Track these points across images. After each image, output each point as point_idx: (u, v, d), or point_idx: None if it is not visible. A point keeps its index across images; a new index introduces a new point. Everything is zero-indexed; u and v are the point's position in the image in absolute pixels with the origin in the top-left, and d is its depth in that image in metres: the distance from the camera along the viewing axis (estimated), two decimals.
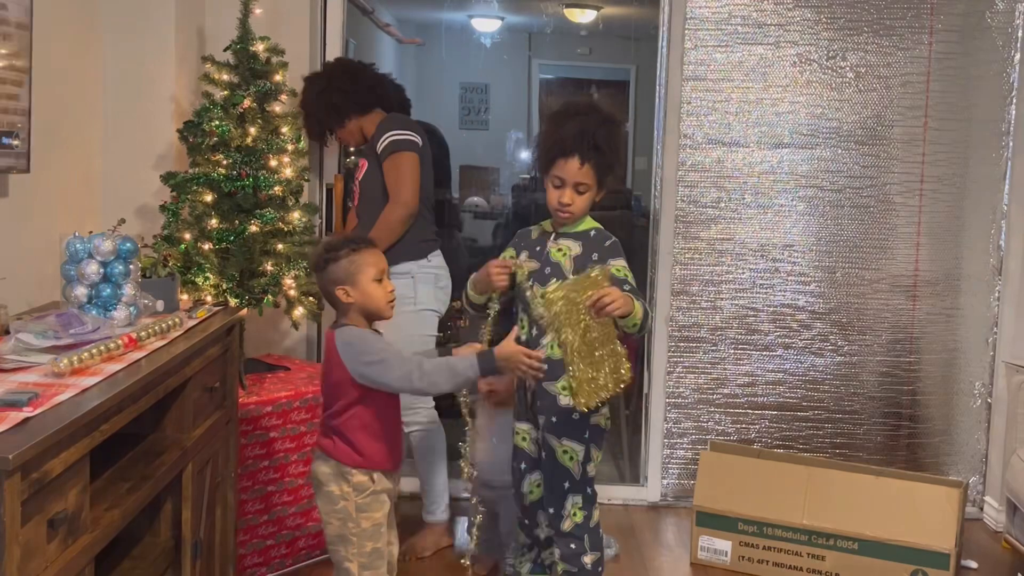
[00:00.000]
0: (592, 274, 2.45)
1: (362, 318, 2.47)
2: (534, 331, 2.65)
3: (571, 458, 2.69)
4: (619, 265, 2.60)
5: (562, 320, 2.43)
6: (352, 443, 2.44)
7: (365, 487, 2.45)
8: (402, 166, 3.30)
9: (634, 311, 2.46)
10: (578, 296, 2.41)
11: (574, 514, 2.72)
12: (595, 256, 2.63)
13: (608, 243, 2.67)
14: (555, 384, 2.64)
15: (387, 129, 3.33)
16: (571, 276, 2.58)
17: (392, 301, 2.49)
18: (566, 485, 2.71)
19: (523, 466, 2.82)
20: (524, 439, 2.80)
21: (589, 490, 2.75)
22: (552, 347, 2.60)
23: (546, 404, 2.69)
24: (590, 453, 2.71)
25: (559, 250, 2.68)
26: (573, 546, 2.73)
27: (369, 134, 3.44)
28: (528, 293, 2.60)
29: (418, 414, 3.38)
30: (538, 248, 2.72)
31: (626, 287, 2.54)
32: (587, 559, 2.74)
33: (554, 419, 2.68)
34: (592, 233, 2.70)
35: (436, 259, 3.41)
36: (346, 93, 3.43)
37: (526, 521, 2.89)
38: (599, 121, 2.62)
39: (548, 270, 2.66)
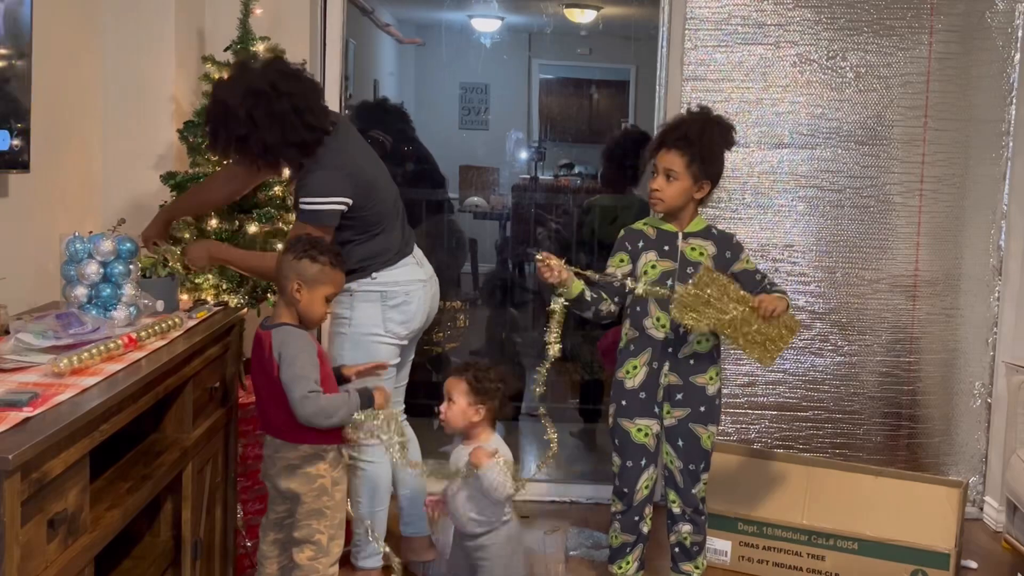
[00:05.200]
0: (722, 281, 2.72)
1: (296, 317, 2.57)
2: (681, 329, 2.82)
3: (710, 440, 2.93)
4: (747, 256, 2.93)
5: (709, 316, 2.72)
6: (317, 430, 2.54)
7: (337, 461, 2.63)
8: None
9: (788, 301, 2.82)
10: (714, 298, 2.71)
11: (702, 489, 2.97)
12: (728, 254, 2.89)
13: (735, 240, 2.95)
14: (704, 375, 2.88)
15: (306, 191, 2.80)
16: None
17: (324, 320, 2.67)
18: (703, 465, 2.95)
19: (643, 462, 2.94)
20: (646, 435, 2.92)
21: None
22: (699, 342, 2.85)
23: (692, 396, 2.89)
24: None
25: (693, 249, 2.87)
26: (703, 518, 3.01)
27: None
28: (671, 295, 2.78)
29: (364, 452, 3.00)
30: (667, 248, 2.88)
31: (758, 276, 2.91)
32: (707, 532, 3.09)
33: (702, 408, 2.89)
34: (714, 231, 2.92)
35: (387, 275, 2.95)
36: (302, 146, 2.78)
37: (635, 518, 2.98)
38: (692, 118, 2.85)
39: (690, 270, 2.83)
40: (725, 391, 4.03)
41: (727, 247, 2.90)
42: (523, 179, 6.18)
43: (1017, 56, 3.94)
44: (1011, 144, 3.96)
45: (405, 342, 3.04)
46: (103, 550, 2.00)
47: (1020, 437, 3.68)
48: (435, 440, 4.20)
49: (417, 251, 3.11)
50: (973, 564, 3.57)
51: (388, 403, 2.62)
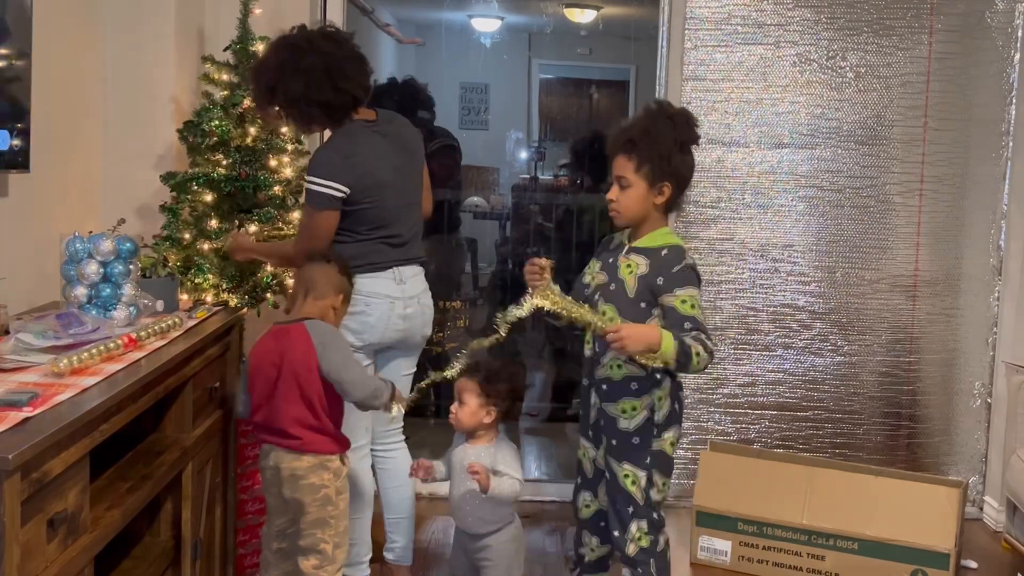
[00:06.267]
0: (597, 321, 2.39)
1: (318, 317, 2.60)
2: (597, 347, 2.55)
3: (633, 483, 2.55)
4: (685, 295, 2.43)
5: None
6: (328, 432, 2.57)
7: (340, 471, 2.61)
8: (309, 221, 2.82)
9: (661, 350, 2.33)
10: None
11: (639, 538, 2.56)
12: (660, 280, 2.45)
13: (677, 268, 2.46)
14: (615, 406, 2.53)
15: (310, 169, 2.81)
16: (631, 296, 2.48)
17: None
18: (630, 510, 2.56)
19: (579, 480, 2.72)
20: (584, 455, 2.69)
21: (655, 515, 2.59)
22: (611, 367, 2.52)
23: (607, 425, 2.57)
24: (653, 479, 2.56)
25: (628, 266, 2.52)
26: (640, 570, 2.59)
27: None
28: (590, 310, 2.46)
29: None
30: (611, 260, 2.58)
31: (687, 324, 2.40)
32: None
33: (614, 442, 2.56)
34: (664, 252, 2.50)
35: (371, 284, 2.85)
36: (326, 107, 2.81)
37: (577, 537, 2.79)
38: (640, 117, 2.56)
39: (613, 286, 2.52)
40: (724, 391, 4.03)
41: (663, 273, 2.47)
42: (523, 179, 6.17)
43: (1017, 56, 3.94)
44: (1011, 144, 3.96)
45: (361, 354, 2.86)
46: (103, 550, 2.00)
47: (1020, 437, 3.68)
48: (435, 437, 4.19)
49: (407, 270, 2.94)
50: (973, 564, 3.56)
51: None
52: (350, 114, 2.86)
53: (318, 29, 2.90)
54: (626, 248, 2.56)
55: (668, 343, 2.34)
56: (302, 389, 2.52)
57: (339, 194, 2.76)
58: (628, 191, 2.50)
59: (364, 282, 2.85)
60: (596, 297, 2.54)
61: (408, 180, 2.98)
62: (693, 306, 2.43)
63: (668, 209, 2.58)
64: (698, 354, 2.37)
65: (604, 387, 2.55)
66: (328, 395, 2.55)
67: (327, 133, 2.96)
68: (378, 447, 3.11)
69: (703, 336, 2.40)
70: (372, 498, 3.06)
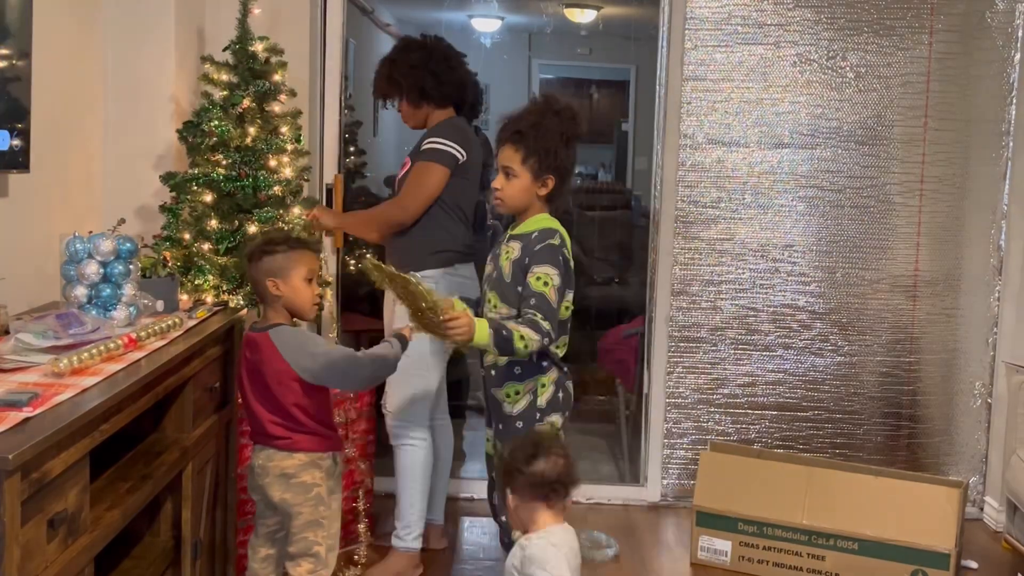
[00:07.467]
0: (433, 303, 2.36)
1: (287, 315, 2.55)
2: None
3: None
4: (540, 272, 2.47)
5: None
6: (315, 431, 2.55)
7: (333, 471, 2.60)
8: (427, 176, 3.19)
9: (475, 339, 2.35)
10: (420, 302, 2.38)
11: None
12: (527, 260, 2.51)
13: (539, 247, 2.51)
14: (501, 391, 2.58)
15: (437, 134, 3.23)
16: (508, 281, 2.53)
17: (318, 303, 2.63)
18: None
19: (491, 471, 2.71)
20: (488, 440, 2.71)
21: None
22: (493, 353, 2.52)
23: (495, 409, 2.63)
24: None
25: (506, 252, 2.58)
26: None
27: (429, 126, 3.32)
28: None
29: (408, 428, 3.23)
30: (496, 250, 2.66)
31: (532, 300, 2.44)
32: None
33: (500, 426, 2.61)
34: (534, 235, 2.55)
35: (465, 271, 3.29)
36: (438, 80, 3.28)
37: (501, 532, 2.71)
38: (529, 110, 2.61)
39: (495, 274, 2.60)
40: (725, 391, 4.03)
41: (528, 252, 2.52)
42: None
43: (1017, 56, 3.94)
44: (1011, 144, 3.96)
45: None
46: (103, 550, 2.00)
47: (1020, 437, 3.68)
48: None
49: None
50: (973, 564, 3.56)
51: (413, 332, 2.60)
52: (453, 102, 3.33)
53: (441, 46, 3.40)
54: (507, 237, 2.63)
55: (481, 333, 2.36)
56: (278, 399, 2.50)
57: (460, 156, 3.22)
58: (513, 181, 2.57)
59: (468, 271, 3.29)
60: (485, 287, 2.65)
61: (476, 186, 3.40)
62: (546, 284, 2.46)
63: (551, 200, 2.62)
64: (522, 337, 2.39)
65: (492, 372, 2.61)
66: (309, 397, 2.52)
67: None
68: (437, 415, 3.40)
69: (538, 317, 2.43)
70: (429, 475, 3.29)
